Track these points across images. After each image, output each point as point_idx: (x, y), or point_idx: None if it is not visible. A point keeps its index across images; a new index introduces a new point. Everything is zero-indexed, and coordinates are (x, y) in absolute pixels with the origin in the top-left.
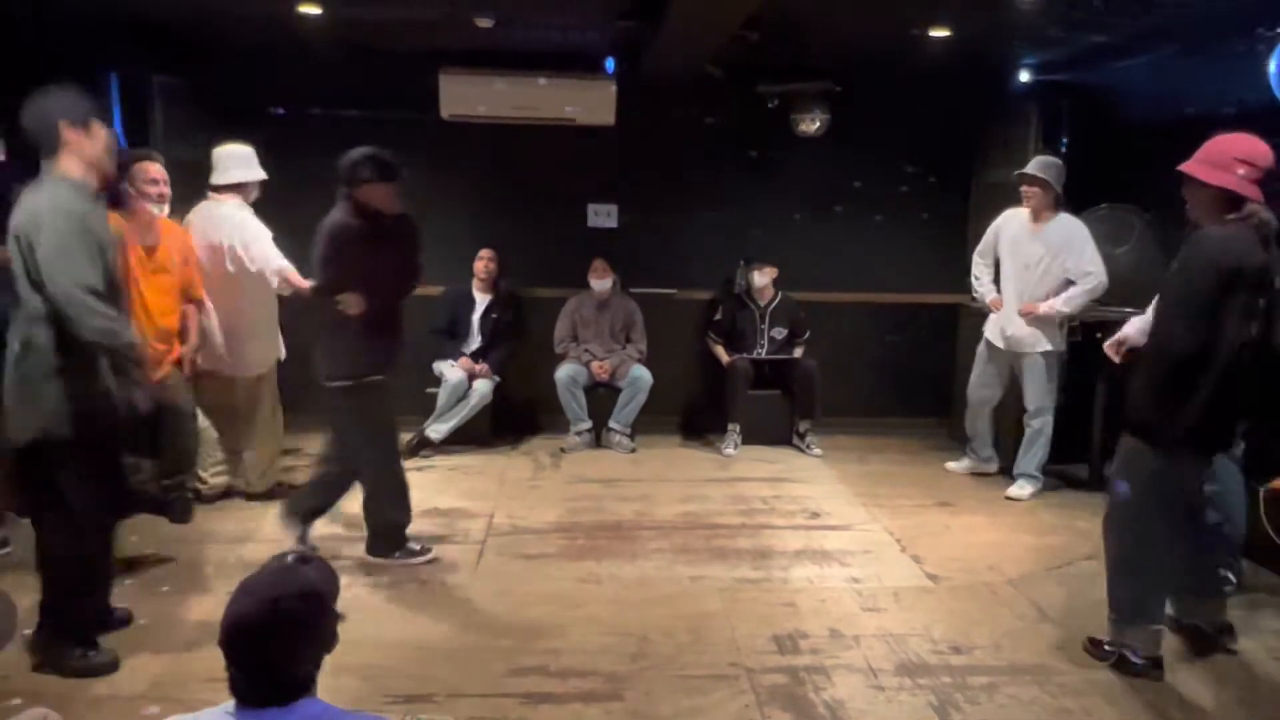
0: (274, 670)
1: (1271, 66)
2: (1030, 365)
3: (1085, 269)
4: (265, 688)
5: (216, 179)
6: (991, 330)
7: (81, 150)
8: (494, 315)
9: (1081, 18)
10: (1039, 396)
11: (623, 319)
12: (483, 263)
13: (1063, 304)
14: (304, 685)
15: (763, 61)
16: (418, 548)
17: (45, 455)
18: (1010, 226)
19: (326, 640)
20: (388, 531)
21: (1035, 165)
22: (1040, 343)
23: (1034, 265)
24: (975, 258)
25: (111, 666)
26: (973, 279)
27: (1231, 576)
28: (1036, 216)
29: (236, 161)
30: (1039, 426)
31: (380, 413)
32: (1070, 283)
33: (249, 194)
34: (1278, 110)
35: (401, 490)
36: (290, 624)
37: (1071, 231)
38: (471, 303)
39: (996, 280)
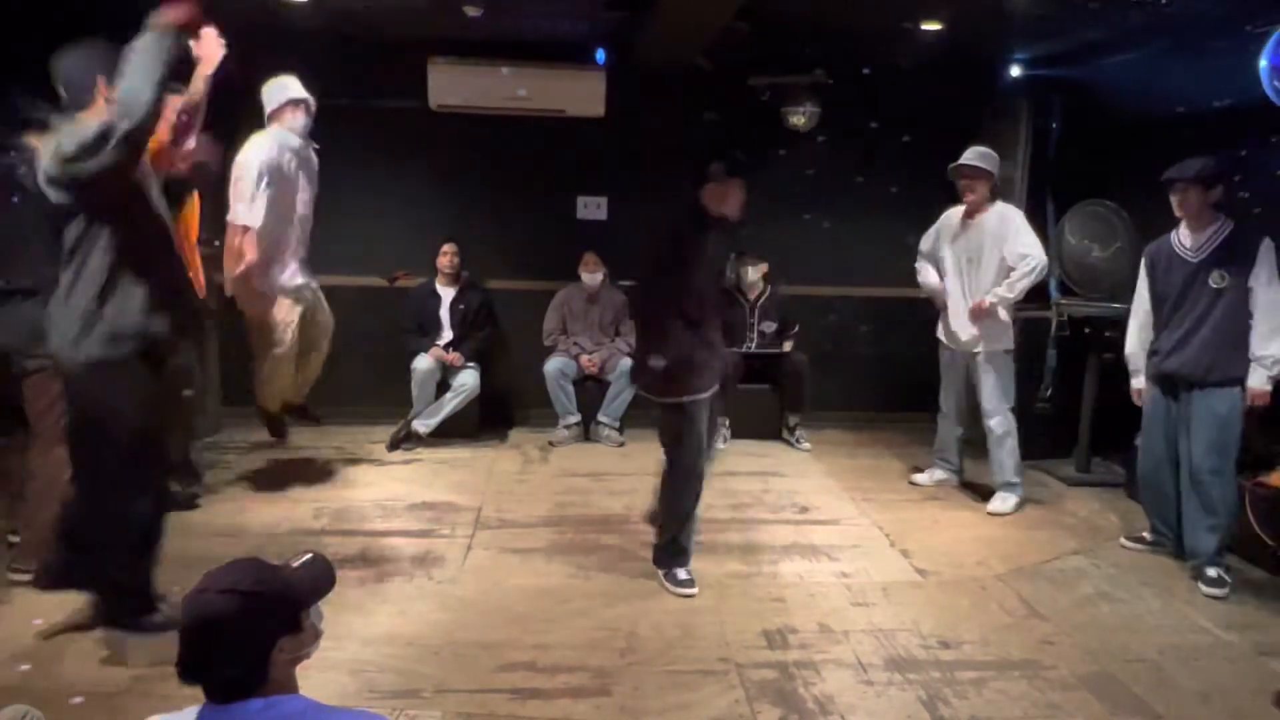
0: (201, 663)
1: (1262, 63)
2: (982, 365)
3: (1021, 252)
4: (206, 682)
5: None
6: (942, 331)
7: (105, 111)
8: (461, 306)
9: (1073, 13)
10: (993, 396)
11: (612, 312)
12: (446, 257)
13: (1005, 289)
14: (233, 684)
15: (754, 54)
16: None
17: (98, 378)
18: (951, 223)
19: (246, 643)
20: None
21: (974, 156)
22: (989, 342)
23: (976, 258)
24: (919, 256)
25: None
26: (917, 273)
27: None
28: (975, 209)
29: (267, 94)
30: (998, 428)
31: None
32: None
33: (284, 119)
34: (1269, 107)
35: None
36: (209, 618)
37: (1006, 217)
38: (438, 298)
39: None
